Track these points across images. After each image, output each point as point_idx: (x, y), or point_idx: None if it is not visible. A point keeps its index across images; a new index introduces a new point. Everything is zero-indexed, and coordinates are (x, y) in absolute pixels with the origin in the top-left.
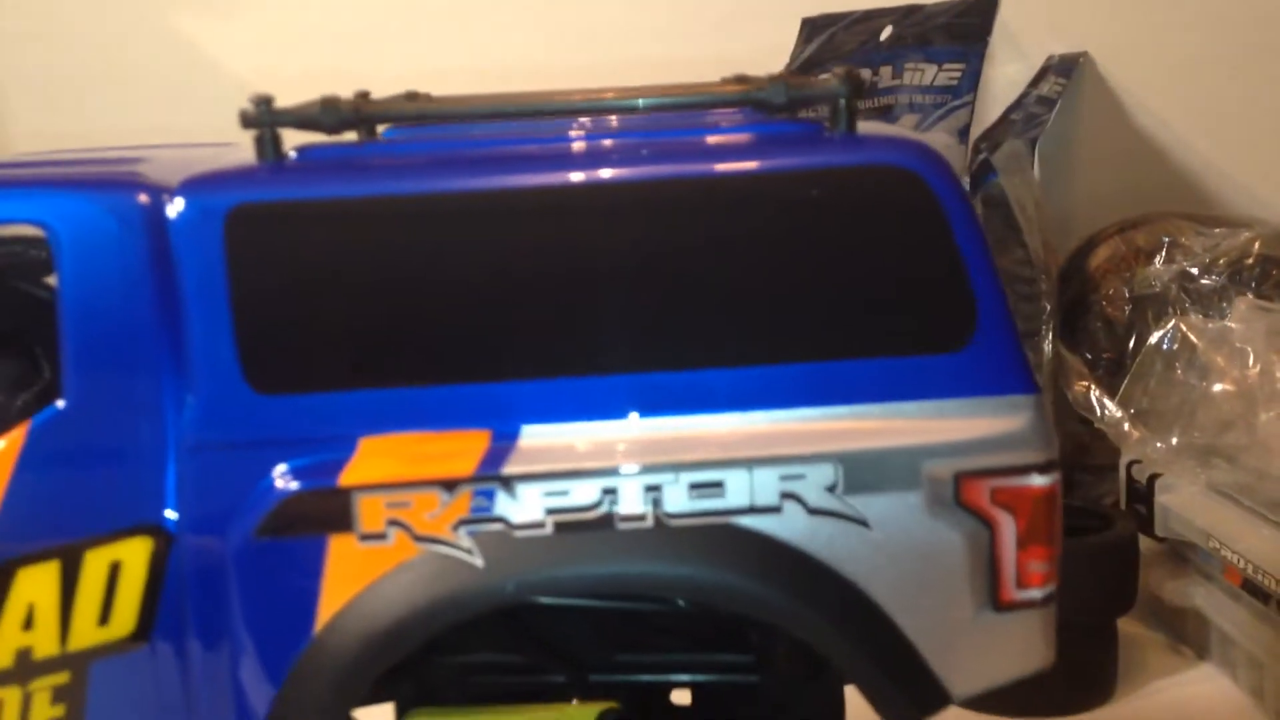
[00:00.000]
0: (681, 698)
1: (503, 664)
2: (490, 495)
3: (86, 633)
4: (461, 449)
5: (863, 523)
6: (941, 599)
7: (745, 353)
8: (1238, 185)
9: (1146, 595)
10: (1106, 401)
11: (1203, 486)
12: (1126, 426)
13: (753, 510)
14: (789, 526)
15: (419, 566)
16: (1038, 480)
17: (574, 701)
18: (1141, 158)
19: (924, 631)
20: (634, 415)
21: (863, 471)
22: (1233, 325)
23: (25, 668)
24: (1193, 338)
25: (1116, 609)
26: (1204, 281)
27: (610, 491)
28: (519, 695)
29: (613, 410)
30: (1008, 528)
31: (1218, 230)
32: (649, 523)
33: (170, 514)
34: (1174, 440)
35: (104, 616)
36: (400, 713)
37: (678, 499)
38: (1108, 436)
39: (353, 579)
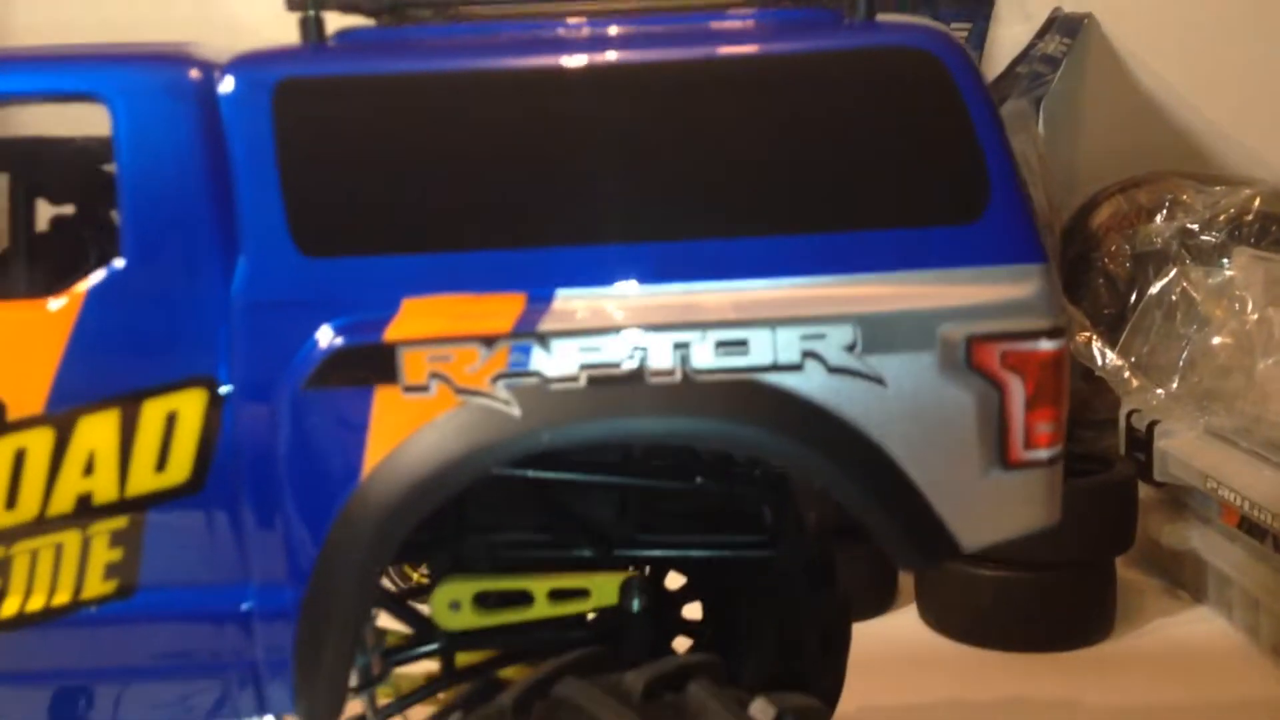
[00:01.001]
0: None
1: (531, 539)
2: (527, 351)
3: (144, 479)
4: (499, 309)
5: (879, 381)
6: (952, 456)
7: (771, 223)
8: (1239, 145)
9: (1144, 541)
10: (1107, 351)
11: (1201, 431)
12: (1126, 374)
13: (775, 368)
14: (810, 383)
15: (459, 416)
16: (1046, 345)
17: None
18: (1144, 118)
19: (936, 486)
20: (663, 280)
21: (880, 332)
22: (1232, 274)
23: (85, 512)
24: (1192, 290)
25: (1115, 548)
26: (1204, 238)
27: (640, 348)
28: (545, 567)
29: (643, 275)
30: (1017, 390)
31: (1218, 188)
32: (677, 378)
33: (223, 368)
34: (1174, 386)
35: (161, 463)
36: (434, 582)
37: (704, 356)
38: (1107, 391)
39: (397, 428)
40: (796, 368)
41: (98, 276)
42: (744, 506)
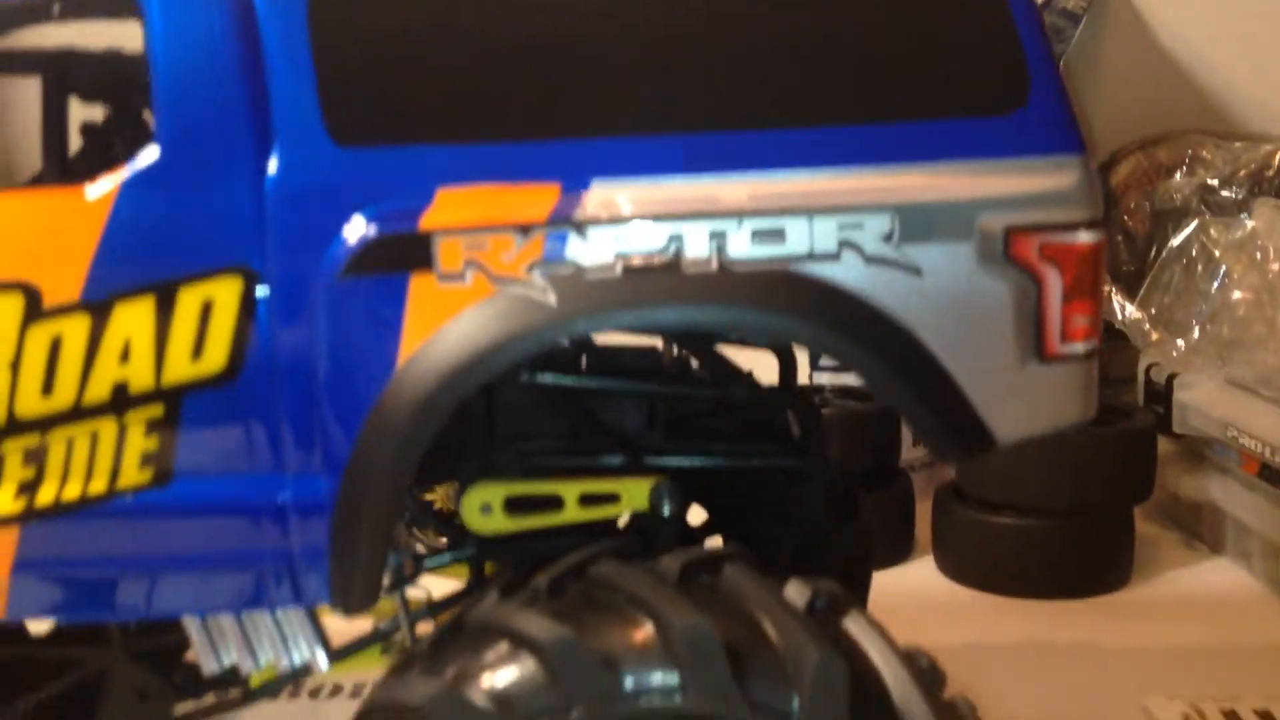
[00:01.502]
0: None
1: (560, 447)
2: (563, 239)
3: (180, 367)
4: (535, 198)
5: (916, 271)
6: (988, 348)
7: (808, 114)
8: (1260, 102)
9: (1163, 494)
10: (1127, 305)
11: (1221, 382)
12: (1146, 327)
13: (812, 257)
14: (846, 273)
15: (495, 305)
16: (1084, 237)
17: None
18: (1165, 74)
19: (971, 378)
20: (700, 171)
21: (918, 222)
22: (1252, 226)
23: (121, 400)
24: (1211, 245)
25: (1134, 496)
26: (1224, 194)
27: (676, 237)
28: (573, 475)
29: (679, 166)
30: (1054, 282)
31: (1238, 144)
32: (713, 267)
33: (259, 258)
34: (1193, 338)
35: (197, 351)
36: (464, 488)
37: (741, 245)
38: (1125, 348)
39: (433, 316)
40: (833, 257)
41: (133, 166)
42: (771, 419)
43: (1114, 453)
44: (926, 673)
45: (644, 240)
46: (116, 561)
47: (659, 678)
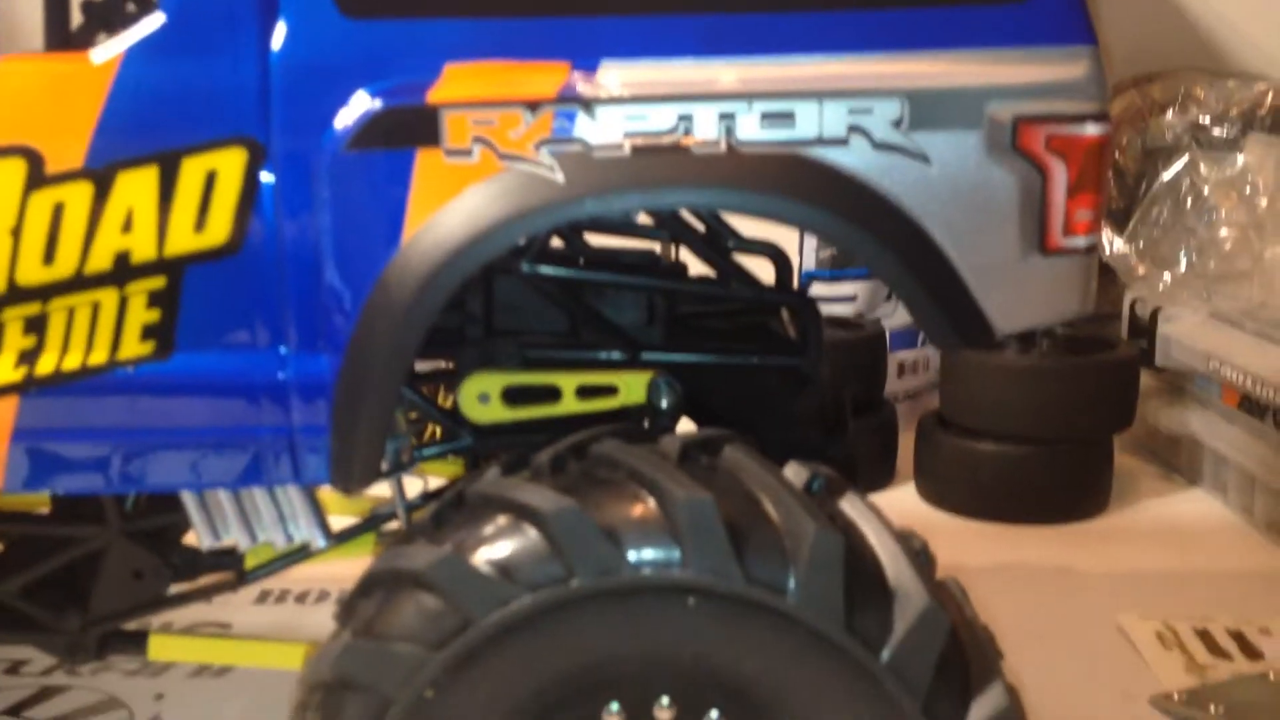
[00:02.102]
0: None
1: (558, 341)
2: (571, 117)
3: (183, 238)
4: (544, 75)
5: (924, 159)
6: (991, 238)
7: None
8: (1253, 41)
9: (1141, 427)
10: (1115, 238)
11: (1205, 316)
12: (1133, 261)
13: (821, 141)
14: (854, 158)
15: (503, 181)
16: (1092, 129)
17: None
18: (1161, 13)
19: (973, 268)
20: (710, 53)
21: (927, 108)
22: (1243, 162)
23: (123, 270)
24: (1201, 182)
25: (1114, 425)
26: (1216, 132)
27: (685, 118)
28: (570, 367)
29: (689, 47)
30: (1059, 174)
31: (1231, 82)
32: (721, 149)
33: (264, 130)
34: (1180, 271)
35: (200, 223)
36: (462, 377)
37: (750, 128)
38: (1111, 284)
39: (439, 192)
40: (842, 142)
41: (138, 32)
42: (769, 323)
43: (1096, 382)
44: (919, 553)
45: (653, 120)
46: (116, 433)
47: (660, 550)
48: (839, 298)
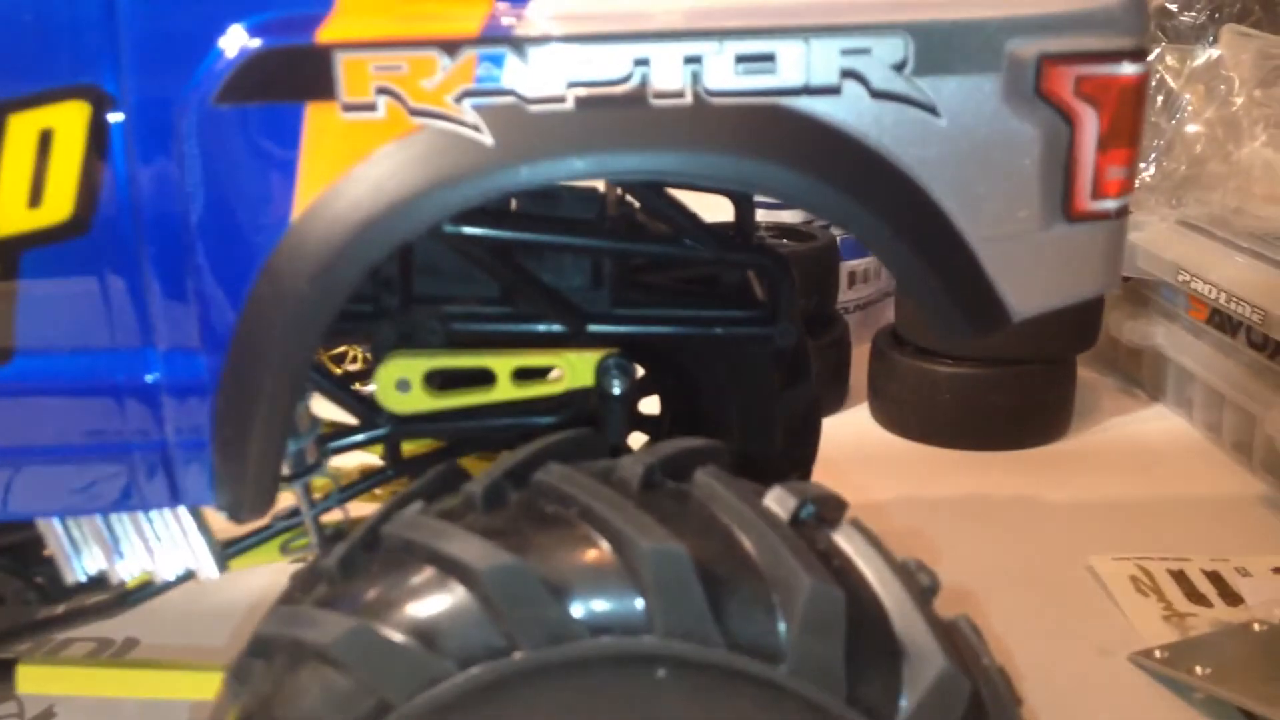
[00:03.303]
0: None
1: (489, 312)
2: (499, 61)
3: (14, 216)
4: (464, 8)
5: (931, 110)
6: (1009, 204)
7: None
8: None
9: (1104, 340)
10: None
11: (1173, 223)
12: None
13: (808, 91)
14: (848, 111)
15: (416, 144)
16: (1128, 69)
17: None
18: None
19: (988, 240)
20: None
21: (937, 47)
22: (1217, 54)
23: None
24: (1170, 78)
25: (1078, 345)
26: (1183, 18)
27: (642, 62)
28: (507, 345)
29: None
30: (1090, 124)
31: None
32: (687, 100)
33: (111, 77)
34: (1147, 176)
35: (35, 197)
36: (377, 360)
37: (722, 73)
38: None
39: (337, 157)
40: (833, 91)
41: None
42: (733, 279)
43: None
44: (927, 590)
45: (601, 65)
46: None
47: (621, 611)
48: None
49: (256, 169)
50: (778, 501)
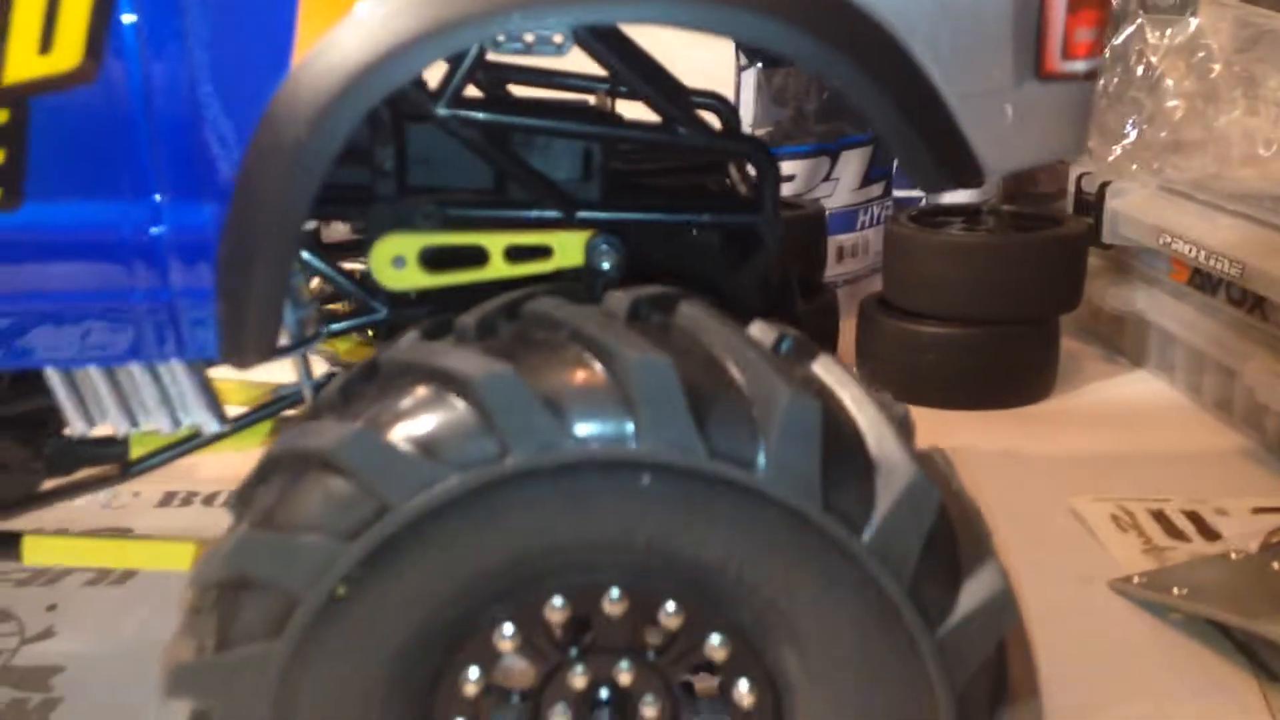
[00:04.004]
0: None
1: (482, 198)
2: None
3: (25, 62)
4: None
5: None
6: (983, 62)
7: None
8: None
9: (1086, 309)
10: None
11: (1155, 188)
12: None
13: None
14: None
15: None
16: None
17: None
18: None
19: (962, 96)
20: None
21: None
22: (1196, 23)
23: None
24: (1150, 50)
25: (1062, 305)
26: None
27: None
28: (497, 229)
29: None
30: None
31: None
32: None
33: None
34: (1129, 141)
35: (45, 43)
36: (373, 238)
37: None
38: (1055, 164)
39: (335, 2)
40: None
41: None
42: (714, 179)
43: (1043, 260)
44: (901, 421)
45: None
46: None
47: (609, 420)
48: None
49: (258, 16)
50: (759, 332)
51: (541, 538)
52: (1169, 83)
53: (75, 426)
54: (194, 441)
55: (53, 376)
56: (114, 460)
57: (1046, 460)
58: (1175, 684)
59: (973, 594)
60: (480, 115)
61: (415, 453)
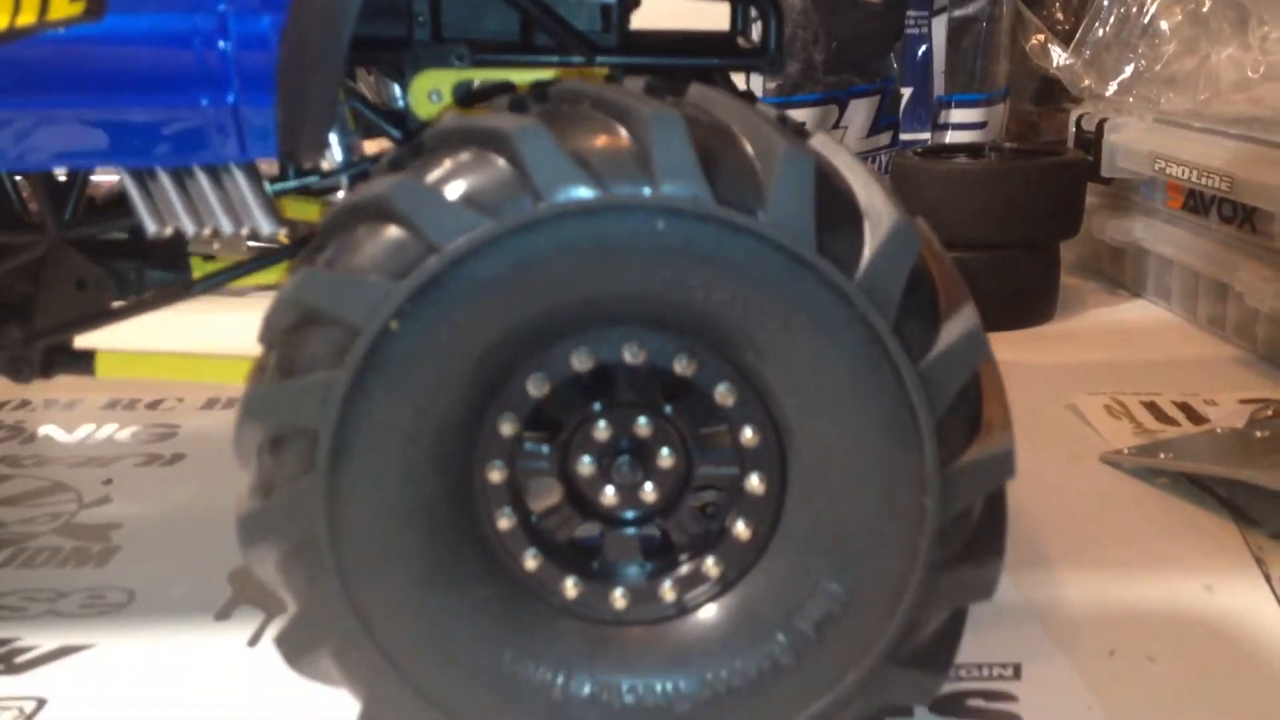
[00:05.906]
0: None
1: (510, 43)
2: None
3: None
4: None
5: None
6: None
7: None
8: None
9: (1087, 244)
10: (1061, 51)
11: (1150, 121)
12: (1079, 70)
13: None
14: None
15: None
16: None
17: None
18: None
19: None
20: None
21: None
22: None
23: None
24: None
25: (1062, 230)
26: None
27: None
28: (527, 68)
29: None
30: None
31: None
32: None
33: None
34: (1125, 76)
35: None
36: (412, 74)
37: None
38: (1055, 114)
39: None
40: None
41: None
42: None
43: (1043, 185)
44: (893, 190)
45: None
46: (48, 103)
47: (628, 171)
48: None
49: None
50: (764, 109)
51: (570, 284)
52: (1164, 24)
53: (148, 226)
54: (249, 265)
55: (127, 180)
56: (178, 280)
57: (1048, 369)
58: (1161, 531)
59: (951, 331)
60: None
61: (458, 200)
